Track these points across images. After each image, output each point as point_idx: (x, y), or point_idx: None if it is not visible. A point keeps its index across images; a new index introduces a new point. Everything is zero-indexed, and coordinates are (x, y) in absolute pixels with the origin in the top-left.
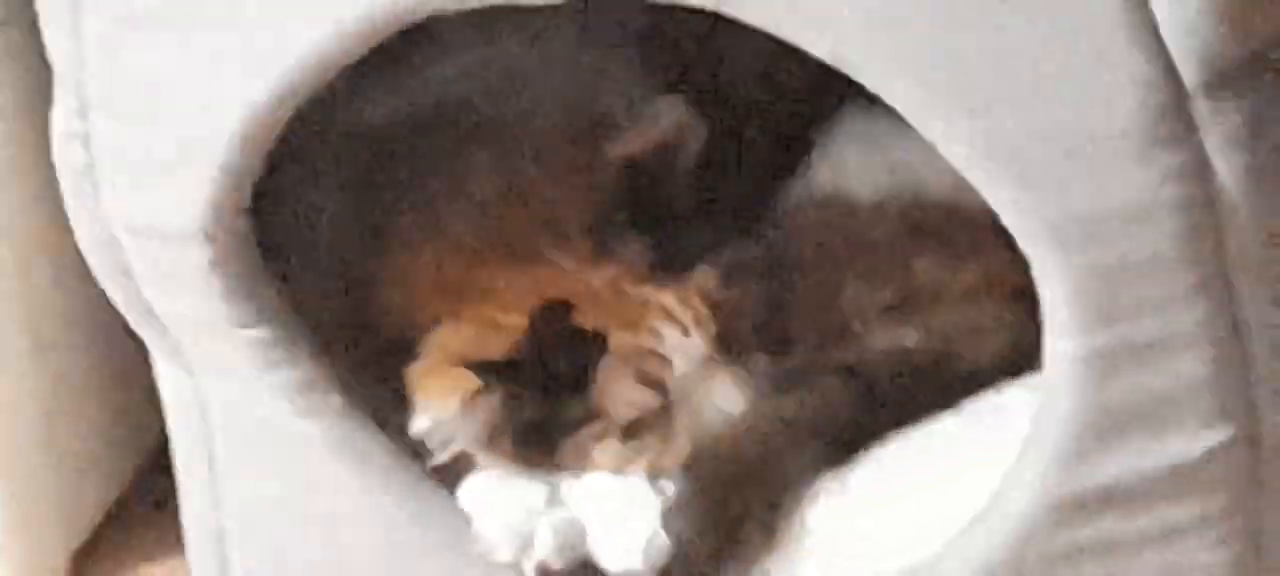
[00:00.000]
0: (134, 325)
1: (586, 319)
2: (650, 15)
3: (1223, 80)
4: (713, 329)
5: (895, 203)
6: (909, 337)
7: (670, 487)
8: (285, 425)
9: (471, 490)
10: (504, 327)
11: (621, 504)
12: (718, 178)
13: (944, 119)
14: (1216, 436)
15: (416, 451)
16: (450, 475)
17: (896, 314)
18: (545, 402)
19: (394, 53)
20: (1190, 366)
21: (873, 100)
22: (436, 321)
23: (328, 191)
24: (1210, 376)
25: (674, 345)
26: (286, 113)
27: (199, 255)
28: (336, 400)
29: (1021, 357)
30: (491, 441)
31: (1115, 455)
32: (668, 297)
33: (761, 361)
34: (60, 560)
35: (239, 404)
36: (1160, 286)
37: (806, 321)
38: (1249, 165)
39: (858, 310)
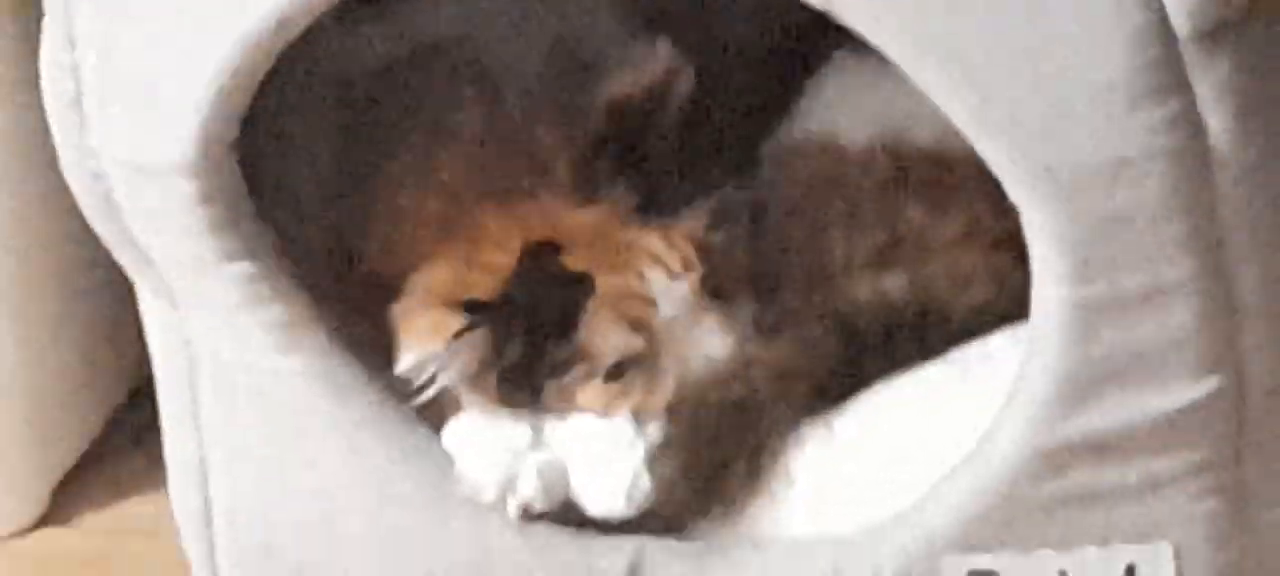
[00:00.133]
0: (119, 259)
1: (573, 260)
2: None
3: (1214, 31)
4: (699, 273)
5: (883, 149)
6: (895, 284)
7: (654, 431)
8: (270, 362)
9: (455, 431)
10: (490, 268)
11: (605, 446)
12: (706, 122)
13: (934, 67)
14: (1203, 388)
15: (401, 391)
16: (434, 415)
17: (883, 260)
18: (530, 343)
19: None
20: (1178, 317)
21: (862, 46)
22: (423, 261)
23: (317, 130)
24: (1198, 328)
25: (660, 288)
26: (276, 47)
27: (186, 189)
28: (321, 337)
29: (1008, 307)
30: (476, 381)
31: (1102, 405)
32: (655, 241)
33: (748, 306)
34: (41, 494)
35: (223, 339)
36: (1149, 237)
37: (793, 267)
38: (1240, 116)
39: (845, 256)
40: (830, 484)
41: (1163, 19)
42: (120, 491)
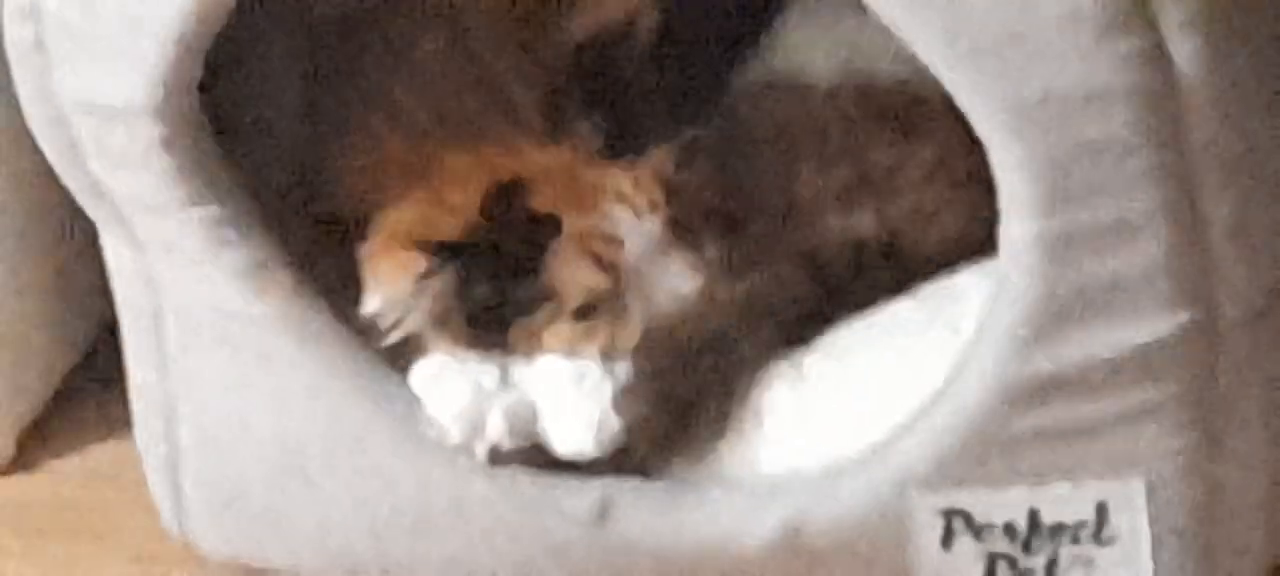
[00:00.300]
0: (82, 203)
1: (539, 200)
2: None
3: None
4: (666, 211)
5: (850, 85)
6: (863, 220)
7: (622, 370)
8: (236, 305)
9: (422, 372)
10: (456, 208)
11: (573, 386)
12: (672, 59)
13: (900, 2)
14: (1173, 321)
15: (368, 332)
16: (401, 357)
17: (851, 197)
18: (497, 284)
19: None
20: (1147, 250)
21: None
22: (390, 202)
23: (282, 72)
24: (1167, 261)
25: (627, 227)
26: None
27: (149, 132)
28: (287, 280)
29: (977, 242)
30: (443, 323)
31: (1071, 339)
32: (621, 179)
33: (715, 244)
34: (6, 440)
35: (189, 283)
36: (1117, 170)
37: (761, 204)
38: (1206, 49)
39: (812, 193)
40: (799, 422)
41: None
42: (87, 438)
